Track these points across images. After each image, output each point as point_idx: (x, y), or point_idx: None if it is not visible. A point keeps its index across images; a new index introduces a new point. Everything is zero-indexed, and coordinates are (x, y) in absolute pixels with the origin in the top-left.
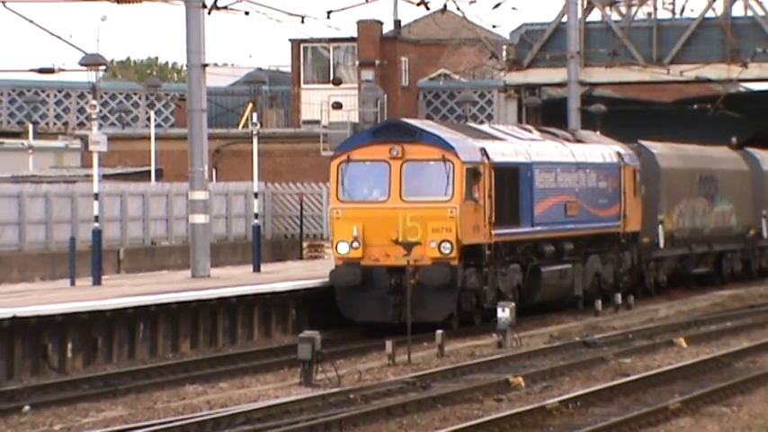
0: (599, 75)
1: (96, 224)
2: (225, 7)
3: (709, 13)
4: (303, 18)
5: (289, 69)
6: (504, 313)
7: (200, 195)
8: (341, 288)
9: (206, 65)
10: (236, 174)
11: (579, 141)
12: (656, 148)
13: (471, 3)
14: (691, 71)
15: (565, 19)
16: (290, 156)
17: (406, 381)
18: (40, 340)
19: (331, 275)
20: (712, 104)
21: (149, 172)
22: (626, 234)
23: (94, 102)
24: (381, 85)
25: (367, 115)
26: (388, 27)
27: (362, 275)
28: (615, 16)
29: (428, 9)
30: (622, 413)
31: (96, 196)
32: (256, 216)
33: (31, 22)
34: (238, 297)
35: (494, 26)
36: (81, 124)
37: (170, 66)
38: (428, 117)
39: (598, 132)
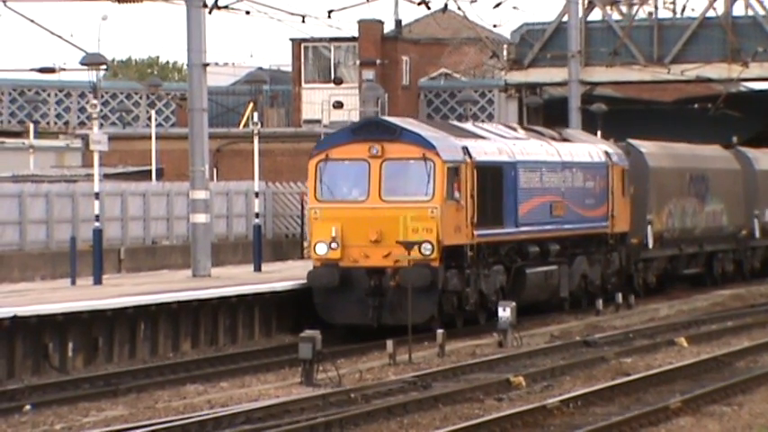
0: (600, 74)
1: (97, 223)
2: (226, 7)
3: (710, 13)
4: (304, 17)
5: (289, 69)
6: (505, 313)
7: (200, 195)
8: (319, 290)
9: (207, 64)
10: (236, 173)
11: (566, 140)
12: (644, 147)
13: (472, 2)
14: (691, 71)
15: (566, 18)
16: (290, 155)
17: (406, 380)
18: (40, 340)
19: (309, 277)
20: (713, 104)
21: (150, 171)
22: (614, 235)
23: (95, 101)
24: (382, 84)
25: (368, 115)
26: (388, 26)
27: (341, 277)
28: (616, 16)
29: (429, 8)
30: (623, 413)
31: (97, 196)
32: (257, 215)
33: (32, 21)
34: (239, 296)
35: (495, 25)
36: (82, 124)
37: (171, 65)
38: (429, 116)
39: (598, 133)
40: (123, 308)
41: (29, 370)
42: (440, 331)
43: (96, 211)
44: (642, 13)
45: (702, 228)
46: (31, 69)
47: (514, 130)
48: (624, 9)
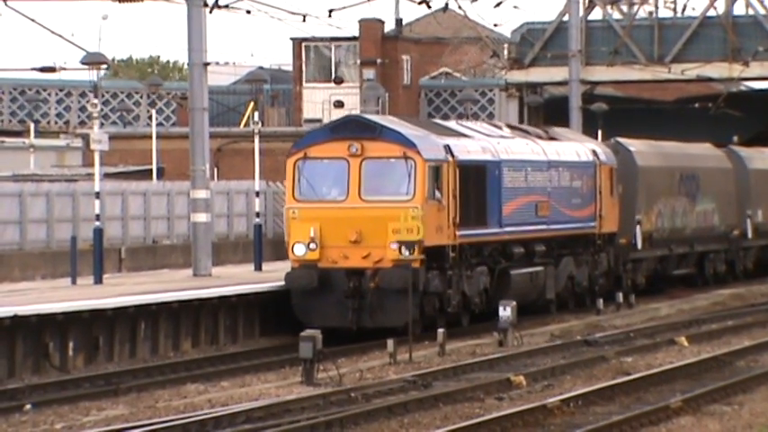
0: (600, 73)
1: (97, 223)
2: (226, 6)
3: (711, 12)
4: (305, 17)
5: (290, 68)
6: (506, 312)
7: (201, 194)
8: (297, 291)
9: (207, 63)
10: (237, 172)
11: (552, 139)
12: (633, 145)
13: (473, 1)
14: (692, 70)
15: (566, 18)
16: None
17: (407, 379)
18: (41, 339)
19: (286, 278)
20: (714, 103)
21: (151, 171)
22: (602, 235)
23: (96, 100)
24: (383, 83)
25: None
26: (389, 26)
27: (320, 278)
28: (617, 15)
29: (429, 8)
30: (623, 412)
31: (97, 195)
32: (258, 215)
33: (32, 20)
34: (240, 296)
35: (495, 25)
36: (82, 123)
37: (171, 64)
38: (429, 115)
39: (599, 132)
40: (124, 307)
41: (29, 369)
42: (440, 330)
43: (97, 211)
44: (643, 12)
45: (693, 228)
46: (32, 69)
47: (499, 128)
48: (625, 8)
